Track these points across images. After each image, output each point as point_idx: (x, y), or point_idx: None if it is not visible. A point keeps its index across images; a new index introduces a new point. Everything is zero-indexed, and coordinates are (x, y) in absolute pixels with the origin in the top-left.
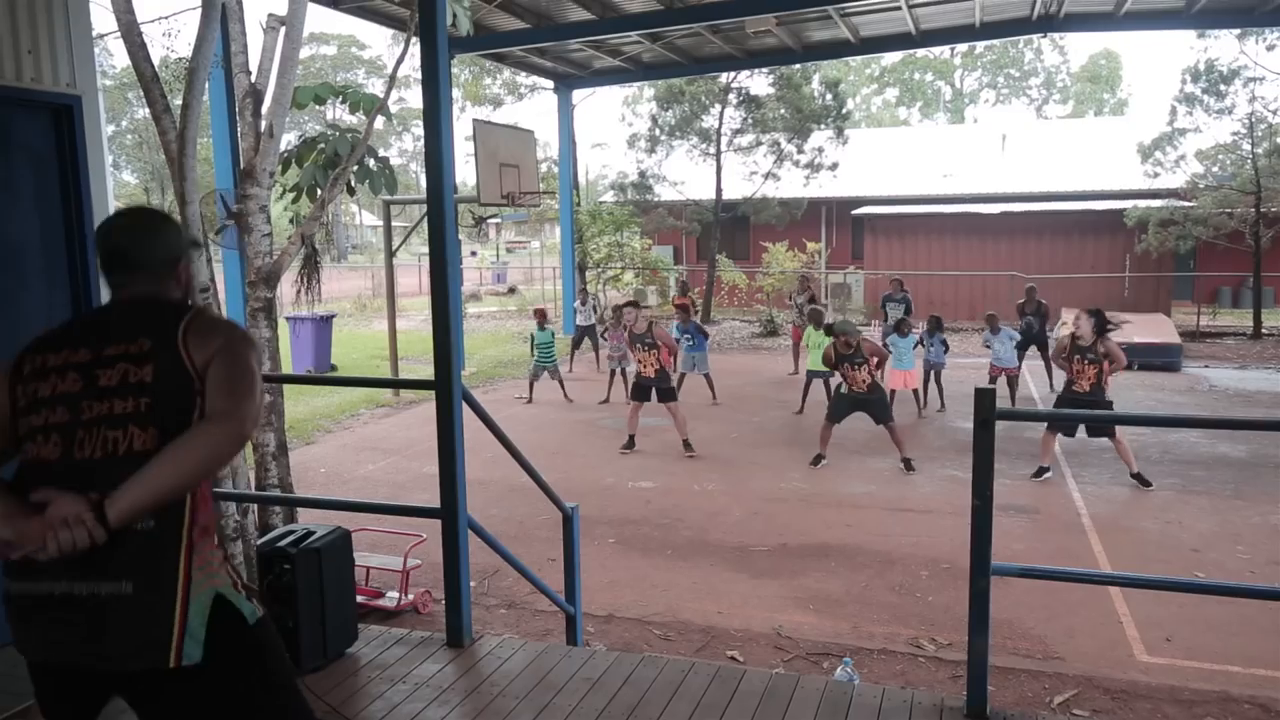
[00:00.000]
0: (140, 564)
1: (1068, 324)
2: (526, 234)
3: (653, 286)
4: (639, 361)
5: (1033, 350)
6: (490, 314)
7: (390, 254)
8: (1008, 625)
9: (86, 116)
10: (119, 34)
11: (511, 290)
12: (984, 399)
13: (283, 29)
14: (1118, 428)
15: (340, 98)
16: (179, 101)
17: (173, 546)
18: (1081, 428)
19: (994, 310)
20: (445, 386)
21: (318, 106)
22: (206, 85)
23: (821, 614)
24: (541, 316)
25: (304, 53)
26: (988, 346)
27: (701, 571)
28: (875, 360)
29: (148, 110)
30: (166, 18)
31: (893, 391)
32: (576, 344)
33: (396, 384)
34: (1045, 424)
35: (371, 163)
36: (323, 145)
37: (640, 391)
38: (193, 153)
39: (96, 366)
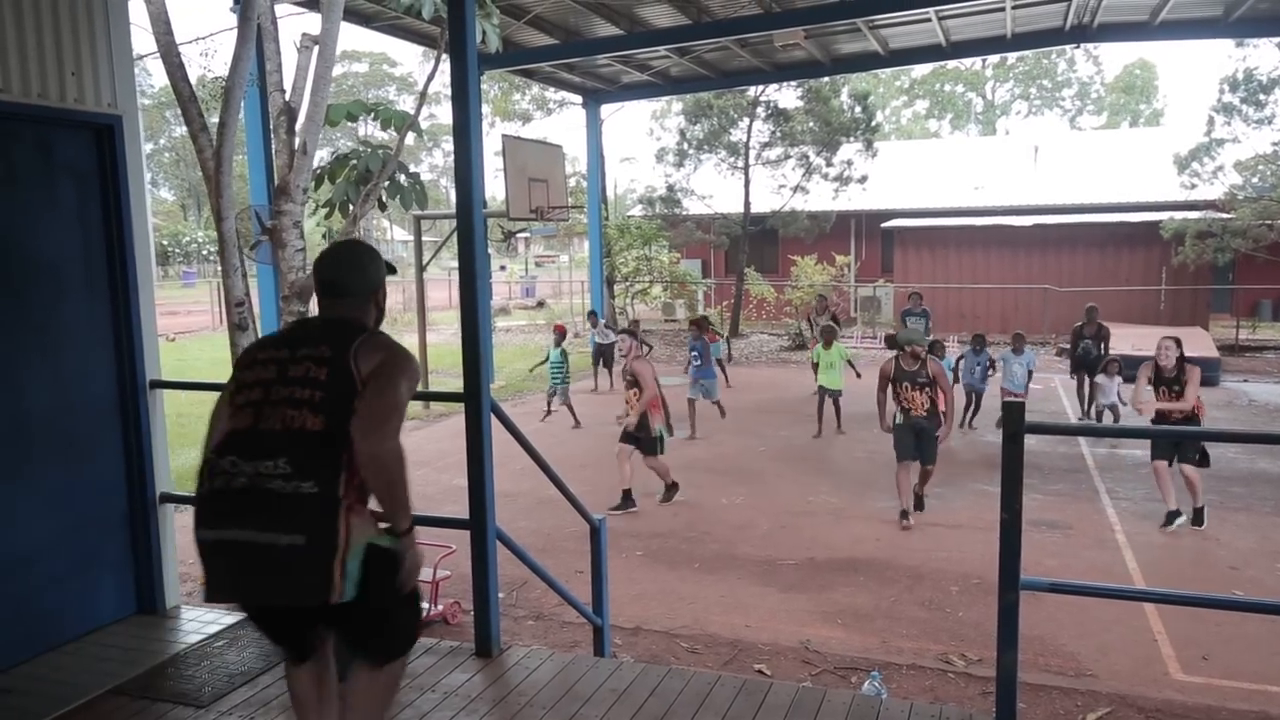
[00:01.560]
0: (311, 522)
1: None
2: (556, 248)
3: (681, 300)
4: (625, 401)
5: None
6: (519, 328)
7: (421, 268)
8: (1039, 641)
9: (127, 135)
10: (158, 54)
11: (540, 304)
12: (1012, 412)
13: (316, 48)
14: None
15: (372, 115)
16: (215, 120)
17: (334, 508)
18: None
19: (1023, 329)
20: (474, 399)
21: (350, 123)
22: (242, 104)
23: (850, 628)
24: (561, 333)
25: (336, 70)
26: (1001, 363)
27: (729, 584)
28: (939, 384)
29: (185, 128)
30: (203, 38)
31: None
32: (596, 361)
33: (427, 397)
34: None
35: (402, 178)
36: (354, 161)
37: (628, 437)
38: (229, 170)
39: (290, 362)
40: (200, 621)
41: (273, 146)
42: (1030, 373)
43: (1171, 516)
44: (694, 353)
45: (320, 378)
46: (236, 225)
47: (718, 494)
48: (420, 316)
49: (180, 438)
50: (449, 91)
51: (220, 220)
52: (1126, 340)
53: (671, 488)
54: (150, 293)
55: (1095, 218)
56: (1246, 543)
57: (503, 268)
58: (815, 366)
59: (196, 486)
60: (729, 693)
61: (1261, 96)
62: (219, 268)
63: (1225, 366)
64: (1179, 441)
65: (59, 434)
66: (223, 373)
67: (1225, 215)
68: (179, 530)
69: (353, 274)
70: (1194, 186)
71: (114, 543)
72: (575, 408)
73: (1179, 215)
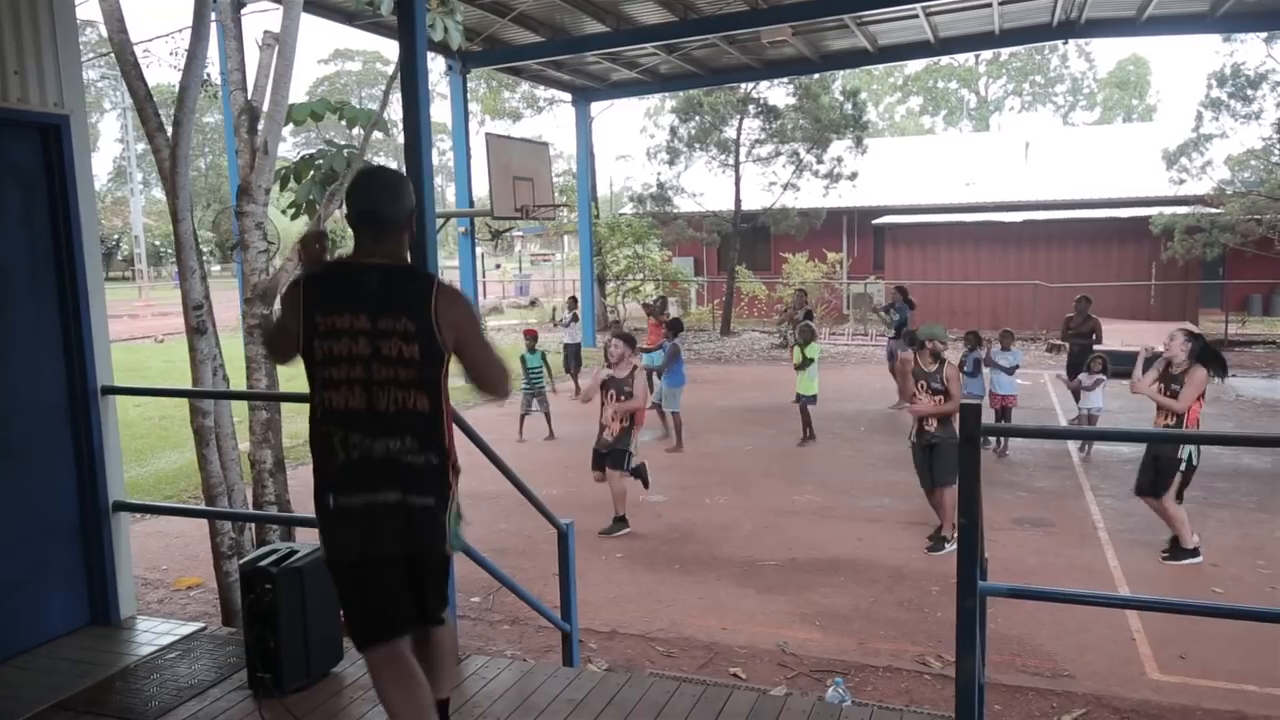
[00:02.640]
0: (437, 486)
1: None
2: (551, 247)
3: (674, 298)
4: (612, 417)
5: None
6: (511, 326)
7: None
8: (1017, 642)
9: (75, 136)
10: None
11: (533, 303)
12: (969, 416)
13: (276, 46)
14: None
15: (338, 113)
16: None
17: (446, 475)
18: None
19: (1014, 325)
20: None
21: (316, 121)
22: (217, 102)
23: (828, 630)
24: (532, 338)
25: (330, 69)
26: (985, 365)
27: (708, 586)
28: (952, 389)
29: (178, 128)
30: (165, 36)
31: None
32: (569, 364)
33: None
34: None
35: None
36: (320, 161)
37: (599, 459)
38: (185, 170)
39: (378, 337)
40: (154, 633)
41: (235, 146)
42: (1016, 366)
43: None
44: (659, 350)
45: (415, 357)
46: (222, 223)
47: (702, 494)
48: None
49: (164, 440)
50: (441, 90)
51: (177, 222)
52: (1116, 336)
53: (619, 521)
54: (100, 297)
55: (1086, 213)
56: (1228, 539)
57: (498, 266)
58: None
59: (323, 456)
60: (688, 701)
61: (1249, 91)
62: (212, 268)
63: None
64: (1158, 468)
65: (7, 442)
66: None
67: (1214, 210)
68: (139, 537)
69: (393, 202)
70: (1183, 182)
71: (65, 552)
72: (553, 416)
73: (1168, 211)
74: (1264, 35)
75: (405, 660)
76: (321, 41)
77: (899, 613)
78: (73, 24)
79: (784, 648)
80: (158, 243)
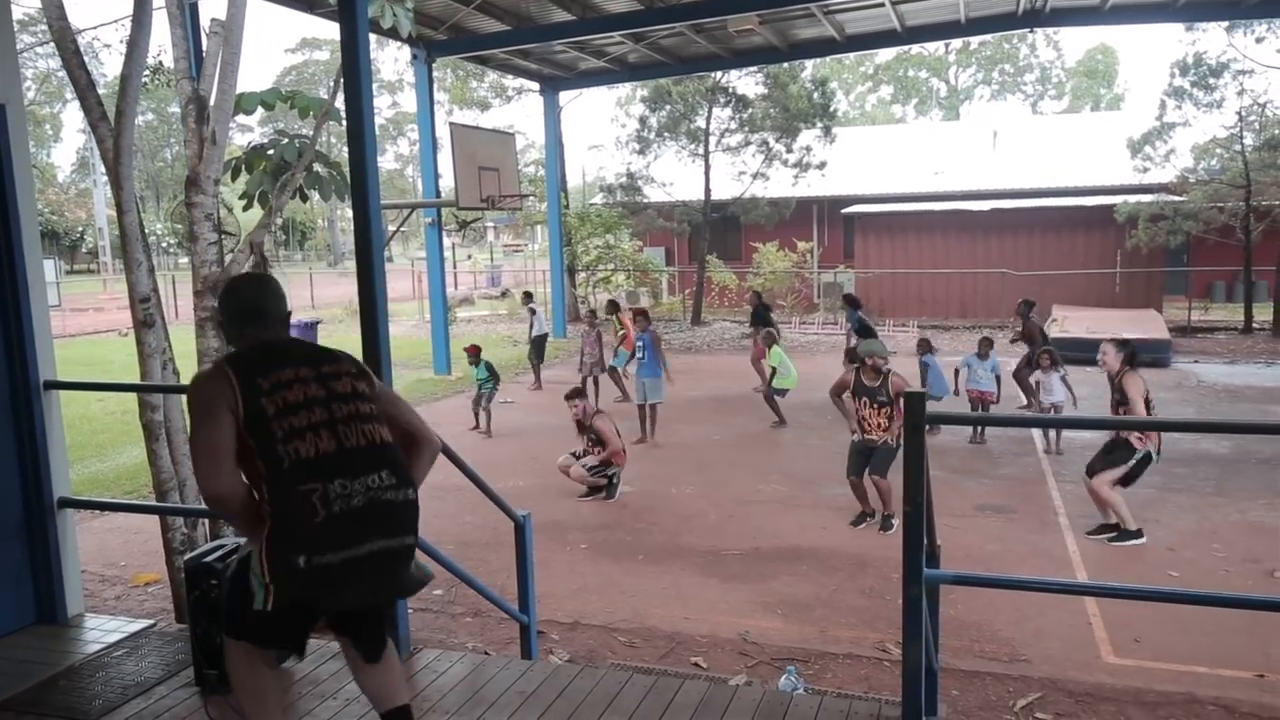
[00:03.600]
0: (415, 523)
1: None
2: (522, 237)
3: (644, 289)
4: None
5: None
6: (481, 317)
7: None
8: (976, 628)
9: (11, 124)
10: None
11: (504, 294)
12: (914, 403)
13: (223, 34)
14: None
15: (288, 103)
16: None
17: (418, 510)
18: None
19: (981, 314)
20: None
21: (267, 111)
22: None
23: (789, 619)
24: (474, 354)
25: (297, 59)
26: (965, 369)
27: (671, 576)
28: (898, 405)
29: (142, 119)
30: (106, 24)
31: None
32: (536, 353)
33: None
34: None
35: (321, 169)
36: (271, 152)
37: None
38: (129, 161)
39: (327, 379)
40: (102, 631)
41: (183, 137)
42: (998, 377)
43: (1118, 532)
44: (639, 346)
45: (365, 391)
46: (177, 215)
47: (668, 484)
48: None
49: (124, 435)
50: (405, 78)
51: (122, 213)
52: (1081, 324)
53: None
54: (42, 289)
55: (1052, 202)
56: (1185, 523)
57: (469, 257)
58: (759, 366)
59: (300, 517)
60: (638, 692)
61: (1211, 80)
62: (180, 259)
63: (1177, 348)
64: (1111, 457)
65: None
66: (181, 367)
67: (1178, 198)
68: (98, 533)
69: (280, 302)
70: (1147, 170)
71: (9, 551)
72: (515, 407)
73: (1133, 199)
74: (1225, 24)
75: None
76: (289, 31)
77: (860, 600)
78: (8, 12)
79: (745, 637)
80: (119, 234)
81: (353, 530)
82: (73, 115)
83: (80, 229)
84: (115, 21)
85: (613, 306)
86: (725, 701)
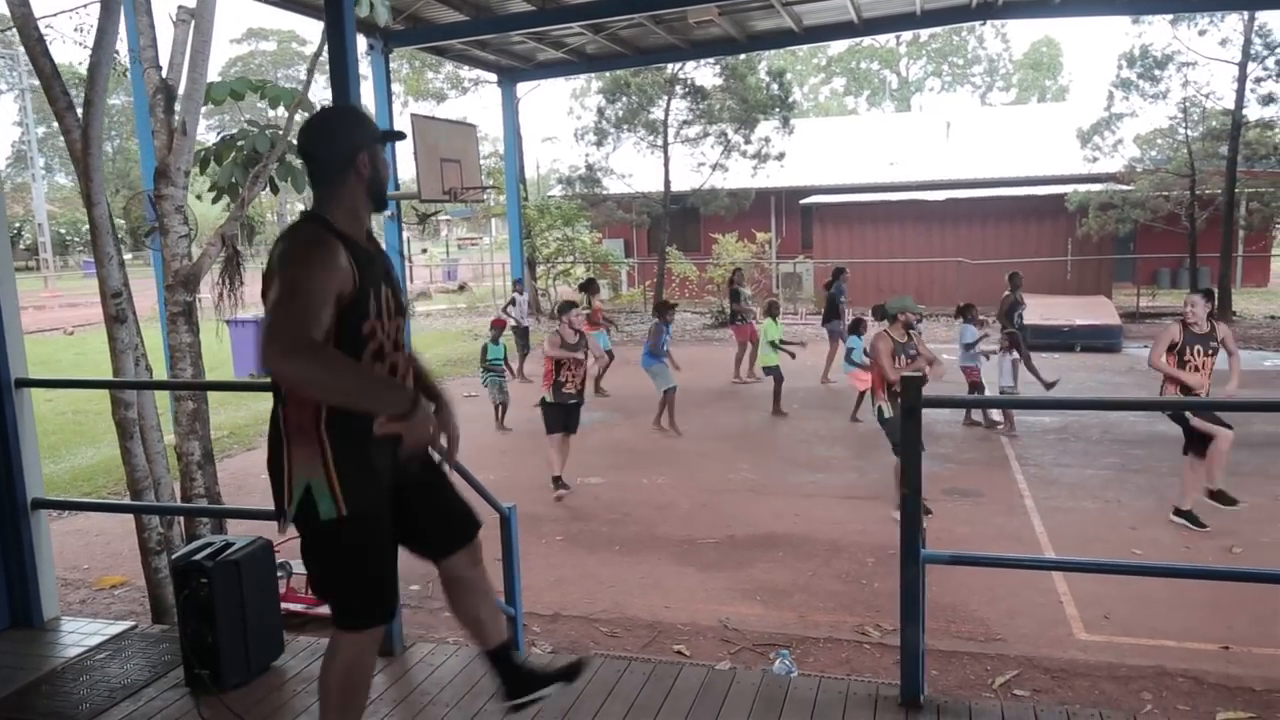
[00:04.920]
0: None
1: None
2: (477, 231)
3: (604, 280)
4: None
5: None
6: (440, 312)
7: None
8: (951, 609)
9: None
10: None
11: (462, 287)
12: (910, 387)
13: (192, 22)
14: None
15: (260, 93)
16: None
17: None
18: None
19: (939, 302)
20: None
21: (236, 101)
22: (127, 81)
23: (768, 605)
24: (499, 328)
25: (244, 49)
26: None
27: (649, 566)
28: (924, 351)
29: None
30: (71, 11)
31: (861, 394)
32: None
33: None
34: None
35: (293, 159)
36: (242, 143)
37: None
38: (98, 152)
39: (395, 296)
40: (81, 634)
41: (151, 127)
42: (974, 343)
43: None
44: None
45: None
46: (132, 210)
47: (639, 475)
48: None
49: (79, 435)
50: (364, 72)
51: (91, 206)
52: (1034, 310)
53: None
54: (11, 285)
55: (1005, 191)
56: (1145, 503)
57: (424, 251)
58: (743, 351)
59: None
60: (638, 679)
61: (1156, 72)
62: (128, 255)
63: (1127, 333)
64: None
65: None
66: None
67: (1125, 187)
68: (56, 536)
69: (321, 141)
70: (1096, 160)
71: None
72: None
73: (1083, 188)
74: (1169, 18)
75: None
76: (233, 20)
77: (837, 585)
78: None
79: (726, 623)
80: (63, 230)
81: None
82: (6, 107)
83: (18, 225)
84: (70, 11)
85: (591, 285)
86: (725, 686)
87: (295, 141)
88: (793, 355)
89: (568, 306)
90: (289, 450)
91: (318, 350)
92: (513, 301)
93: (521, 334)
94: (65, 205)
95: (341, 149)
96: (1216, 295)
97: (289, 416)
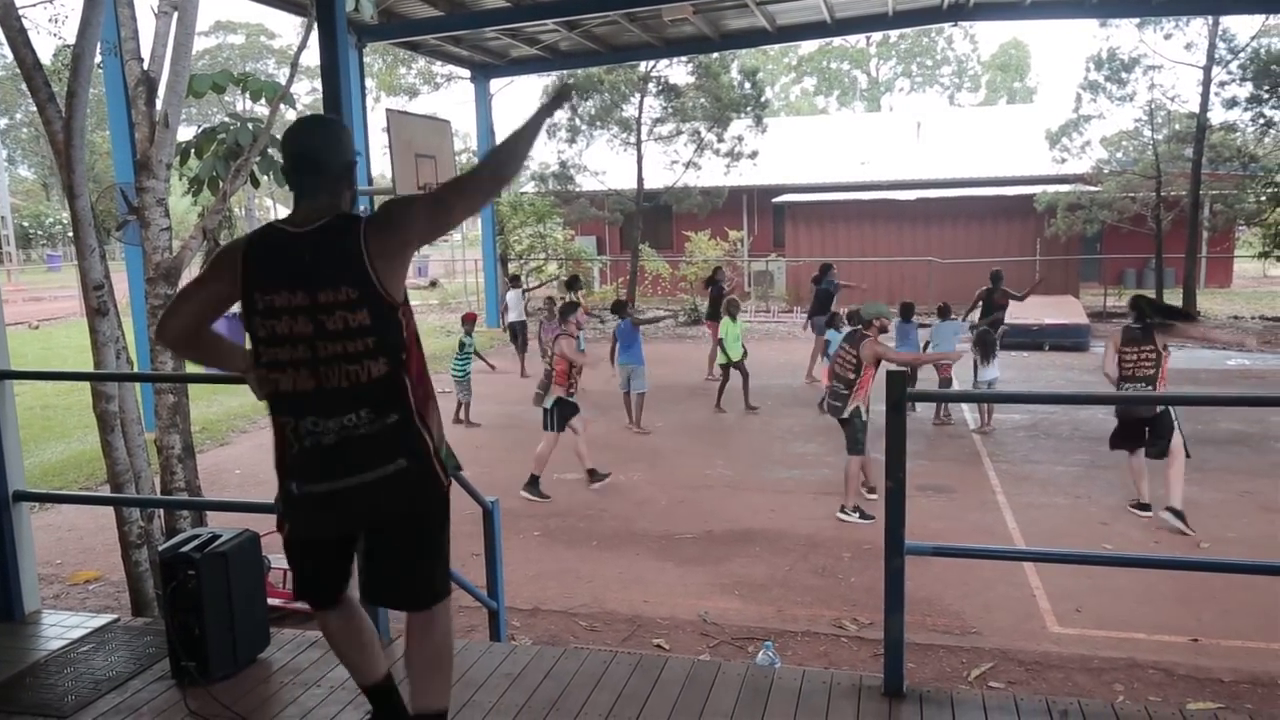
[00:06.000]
0: (407, 444)
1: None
2: None
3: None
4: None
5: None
6: (414, 309)
7: None
8: (927, 603)
9: None
10: None
11: (433, 284)
12: (895, 382)
13: (175, 14)
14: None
15: (240, 86)
16: (66, 90)
17: (413, 426)
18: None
19: (910, 300)
20: None
21: (217, 95)
22: (99, 73)
23: (746, 599)
24: (471, 321)
25: (211, 42)
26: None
27: (627, 561)
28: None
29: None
30: (45, 1)
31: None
32: (514, 339)
33: None
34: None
35: (275, 153)
36: (223, 135)
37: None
38: (80, 144)
39: (318, 311)
40: (63, 626)
41: (126, 119)
42: (927, 344)
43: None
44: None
45: (365, 322)
46: (100, 204)
47: (616, 471)
48: None
49: (46, 430)
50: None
51: (74, 198)
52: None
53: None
54: None
55: (974, 191)
56: (1116, 499)
57: None
58: (721, 344)
59: (279, 444)
60: (624, 670)
61: (1124, 74)
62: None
63: (1094, 332)
64: (1150, 427)
65: None
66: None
67: (1093, 188)
68: (42, 529)
69: (331, 149)
70: (1064, 161)
71: None
72: (480, 397)
73: (1051, 189)
74: (1136, 21)
75: (353, 615)
76: (200, 12)
77: (814, 579)
78: None
79: (705, 618)
80: (26, 224)
81: (328, 466)
82: None
83: None
84: (44, 1)
85: (574, 282)
86: (711, 677)
87: (280, 137)
88: (731, 363)
89: (571, 308)
90: (423, 412)
91: None
92: (510, 299)
93: (519, 329)
94: (28, 198)
95: (347, 160)
96: (1182, 295)
97: (416, 384)
